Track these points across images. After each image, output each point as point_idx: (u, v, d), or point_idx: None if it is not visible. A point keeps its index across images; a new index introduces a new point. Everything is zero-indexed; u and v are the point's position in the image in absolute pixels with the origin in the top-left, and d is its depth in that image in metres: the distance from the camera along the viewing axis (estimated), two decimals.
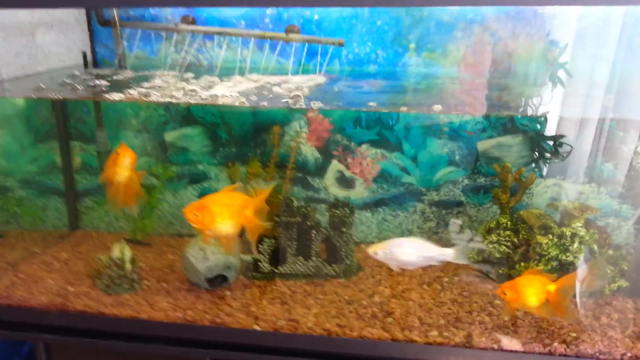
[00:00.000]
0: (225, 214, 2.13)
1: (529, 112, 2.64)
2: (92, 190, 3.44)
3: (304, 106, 2.43)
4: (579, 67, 2.75)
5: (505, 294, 2.06)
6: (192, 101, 2.49)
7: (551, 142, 2.87)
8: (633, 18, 2.56)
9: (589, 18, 2.69)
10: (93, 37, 3.26)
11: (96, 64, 3.29)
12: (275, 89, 2.66)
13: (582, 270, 2.25)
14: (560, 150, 2.86)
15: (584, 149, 2.88)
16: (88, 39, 3.23)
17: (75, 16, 3.19)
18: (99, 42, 3.26)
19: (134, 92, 2.56)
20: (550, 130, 2.93)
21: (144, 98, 2.50)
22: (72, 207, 3.44)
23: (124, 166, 2.36)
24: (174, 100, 2.50)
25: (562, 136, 2.80)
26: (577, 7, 2.70)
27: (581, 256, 2.48)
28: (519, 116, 2.87)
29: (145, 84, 2.72)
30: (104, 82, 2.72)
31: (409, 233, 3.20)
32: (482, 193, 3.07)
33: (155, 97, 2.52)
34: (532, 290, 2.02)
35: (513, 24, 2.91)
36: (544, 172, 2.97)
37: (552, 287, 2.01)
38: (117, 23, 3.10)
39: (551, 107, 2.64)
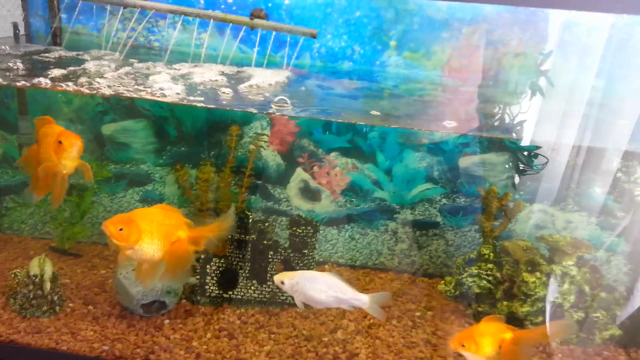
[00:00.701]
0: (155, 233, 1.77)
1: (507, 121, 2.34)
2: (14, 187, 2.95)
3: (290, 114, 2.05)
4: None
5: (463, 345, 1.80)
6: (122, 92, 2.06)
7: (526, 153, 2.59)
8: (621, 30, 2.29)
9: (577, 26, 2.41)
10: (27, 6, 2.76)
11: (30, 38, 2.79)
12: (242, 86, 2.25)
13: (552, 326, 1.98)
14: (536, 161, 2.58)
15: (569, 171, 2.62)
16: (21, 8, 2.75)
17: None
18: (33, 13, 2.77)
19: (55, 77, 2.10)
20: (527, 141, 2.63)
21: (58, 86, 2.04)
22: None
23: (71, 157, 1.84)
24: (94, 92, 2.05)
25: (537, 147, 2.51)
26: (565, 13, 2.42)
27: (571, 298, 2.21)
28: (511, 140, 2.57)
29: (72, 67, 2.26)
30: (20, 65, 2.23)
31: (378, 254, 2.87)
32: (461, 215, 2.76)
33: (75, 85, 2.06)
34: (489, 340, 1.77)
35: (507, 27, 2.59)
36: (522, 193, 2.69)
37: (508, 335, 1.77)
38: None
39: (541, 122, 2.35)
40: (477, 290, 2.34)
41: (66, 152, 1.83)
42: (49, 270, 2.36)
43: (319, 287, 1.84)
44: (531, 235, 2.66)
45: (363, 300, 1.82)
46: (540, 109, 2.44)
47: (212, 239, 1.84)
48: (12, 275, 2.40)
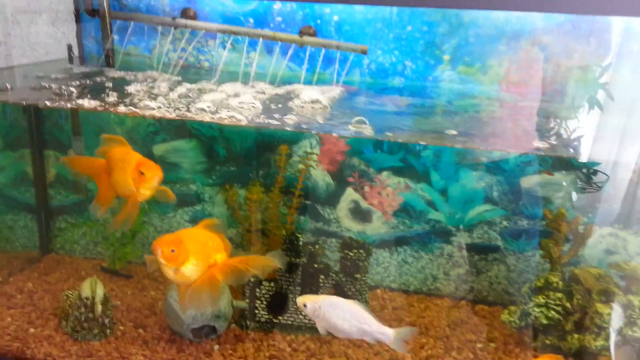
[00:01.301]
0: (200, 255, 1.73)
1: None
2: (66, 207, 2.99)
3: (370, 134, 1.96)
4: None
5: None
6: (174, 116, 2.03)
7: (585, 170, 2.40)
8: None
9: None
10: (81, 28, 2.82)
11: (83, 59, 2.85)
12: (291, 103, 2.20)
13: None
14: (595, 179, 2.40)
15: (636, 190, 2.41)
16: (76, 30, 2.81)
17: (66, 4, 2.77)
18: (87, 35, 2.83)
19: (109, 99, 2.11)
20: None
21: (112, 109, 2.04)
22: (44, 226, 2.99)
23: (151, 187, 1.81)
24: (151, 114, 2.04)
25: (596, 164, 2.33)
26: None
27: None
28: (577, 160, 2.40)
29: (129, 88, 2.26)
30: (74, 87, 2.25)
31: (433, 279, 2.73)
32: (523, 238, 2.59)
33: (127, 108, 2.05)
34: None
35: (568, 39, 2.43)
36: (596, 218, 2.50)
37: None
38: (107, 13, 2.65)
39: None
40: (545, 322, 2.16)
41: (147, 183, 1.80)
42: (100, 292, 2.35)
43: (342, 314, 1.76)
44: (601, 261, 2.47)
45: (387, 334, 1.72)
46: (599, 123, 2.28)
47: (245, 274, 1.75)
48: (65, 297, 2.41)
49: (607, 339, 2.05)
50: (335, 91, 2.41)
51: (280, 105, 2.18)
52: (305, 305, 1.80)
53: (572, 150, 2.18)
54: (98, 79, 2.44)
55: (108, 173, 1.86)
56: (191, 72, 2.68)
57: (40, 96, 2.17)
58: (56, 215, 3.02)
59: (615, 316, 2.04)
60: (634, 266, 2.10)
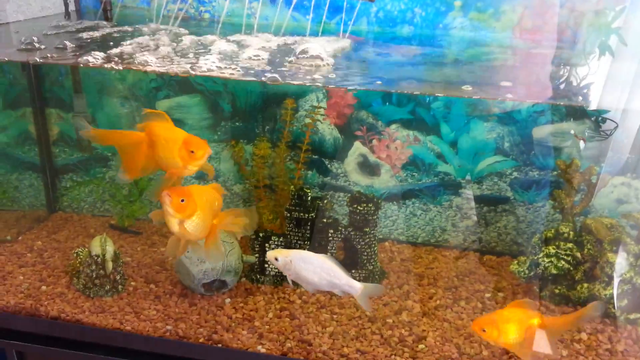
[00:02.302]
0: (207, 211, 1.76)
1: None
2: (72, 166, 2.97)
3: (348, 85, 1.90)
4: None
5: (484, 330, 1.69)
6: (177, 71, 1.97)
7: (593, 118, 2.34)
8: None
9: None
10: None
11: (80, 14, 2.76)
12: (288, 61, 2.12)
13: (581, 312, 1.83)
14: (604, 127, 2.34)
15: None
16: None
17: None
18: None
19: (105, 55, 2.04)
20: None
21: (109, 66, 1.98)
22: (50, 185, 2.98)
23: (199, 163, 1.76)
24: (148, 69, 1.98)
25: (605, 111, 2.26)
26: None
27: None
28: (591, 109, 2.33)
29: (125, 43, 2.19)
30: (73, 42, 2.17)
31: (442, 231, 2.73)
32: (533, 189, 2.56)
33: (122, 63, 1.99)
34: (514, 327, 1.66)
35: None
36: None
37: (535, 322, 1.66)
38: None
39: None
40: (555, 272, 2.17)
41: (196, 161, 1.75)
42: (110, 249, 2.36)
43: (312, 268, 1.82)
44: (612, 210, 2.44)
45: (356, 287, 1.79)
46: (610, 70, 2.20)
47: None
48: (75, 254, 2.42)
49: (616, 288, 2.05)
50: (341, 43, 2.32)
51: (279, 61, 2.10)
52: (276, 259, 1.85)
53: (581, 98, 2.13)
54: (93, 34, 2.36)
55: (149, 148, 1.78)
56: (192, 25, 2.58)
57: (31, 55, 2.11)
58: (62, 174, 3.00)
59: (626, 265, 2.04)
60: None
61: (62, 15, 2.70)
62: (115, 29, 2.47)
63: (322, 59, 2.01)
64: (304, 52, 2.00)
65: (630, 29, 2.17)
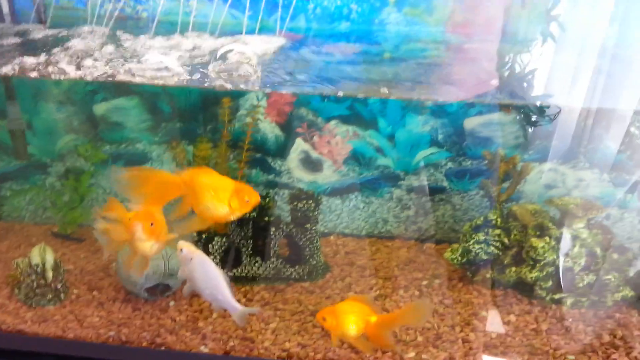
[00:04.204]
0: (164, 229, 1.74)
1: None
2: (10, 174, 2.91)
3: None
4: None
5: (324, 319, 1.79)
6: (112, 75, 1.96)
7: (537, 103, 2.45)
8: None
9: None
10: None
11: (15, 16, 2.68)
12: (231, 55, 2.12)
13: (410, 308, 2.02)
14: (548, 112, 2.45)
15: (580, 126, 2.49)
16: None
17: None
18: None
19: (39, 62, 2.01)
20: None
21: (43, 73, 1.95)
22: None
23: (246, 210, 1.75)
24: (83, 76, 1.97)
25: (548, 96, 2.37)
26: None
27: (582, 261, 2.13)
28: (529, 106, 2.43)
29: (56, 49, 2.16)
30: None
31: (384, 223, 2.81)
32: (467, 178, 2.67)
33: (52, 72, 1.97)
34: (352, 319, 1.76)
35: None
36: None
37: (372, 319, 1.76)
38: None
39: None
40: (485, 257, 2.27)
41: (249, 208, 1.73)
42: (50, 258, 2.34)
43: (204, 276, 1.82)
44: (541, 196, 2.57)
45: (236, 308, 1.82)
46: (552, 57, 2.29)
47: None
48: (15, 265, 2.39)
49: (541, 270, 2.17)
50: (276, 42, 2.34)
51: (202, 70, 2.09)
52: (181, 250, 1.84)
53: (525, 85, 2.21)
54: (29, 38, 2.31)
55: (189, 195, 1.73)
56: (129, 25, 2.55)
57: None
58: (0, 183, 2.94)
59: (549, 248, 2.15)
60: (566, 201, 2.20)
61: None
62: (43, 33, 2.42)
63: (250, 65, 2.03)
64: (223, 57, 2.02)
65: (569, 16, 2.27)
